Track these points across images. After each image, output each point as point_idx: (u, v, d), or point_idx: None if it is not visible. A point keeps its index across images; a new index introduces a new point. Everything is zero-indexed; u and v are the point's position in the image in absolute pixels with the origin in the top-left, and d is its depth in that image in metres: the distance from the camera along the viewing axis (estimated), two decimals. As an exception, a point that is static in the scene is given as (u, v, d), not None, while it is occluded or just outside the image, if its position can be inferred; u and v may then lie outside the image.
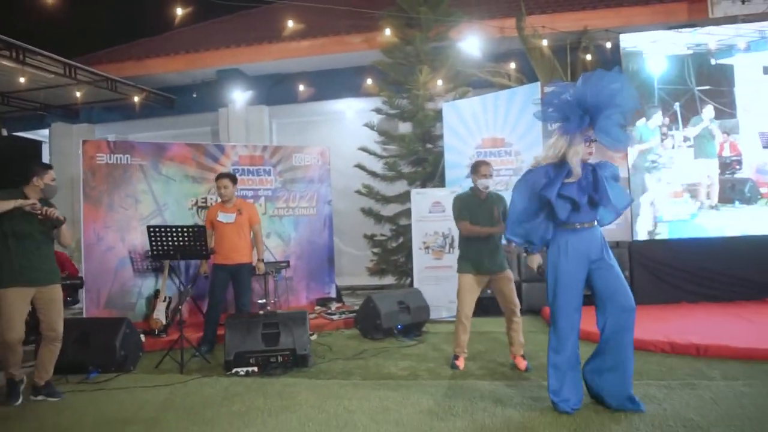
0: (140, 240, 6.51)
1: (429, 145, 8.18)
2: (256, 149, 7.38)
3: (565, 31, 7.86)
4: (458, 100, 7.73)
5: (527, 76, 7.98)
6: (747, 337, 4.65)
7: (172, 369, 4.67)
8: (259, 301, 6.18)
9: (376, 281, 8.33)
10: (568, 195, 3.25)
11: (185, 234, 4.97)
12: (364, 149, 8.22)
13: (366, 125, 8.23)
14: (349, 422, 3.35)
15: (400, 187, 8.14)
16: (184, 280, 6.38)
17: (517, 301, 4.45)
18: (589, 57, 7.78)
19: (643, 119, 6.84)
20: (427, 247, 6.79)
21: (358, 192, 8.19)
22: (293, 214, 7.42)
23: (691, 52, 6.91)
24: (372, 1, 8.59)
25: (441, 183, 7.58)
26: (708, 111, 6.79)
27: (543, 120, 3.79)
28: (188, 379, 4.38)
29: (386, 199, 8.11)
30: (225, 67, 9.38)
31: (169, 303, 6.09)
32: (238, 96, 9.53)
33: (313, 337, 5.71)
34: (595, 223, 3.41)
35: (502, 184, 6.64)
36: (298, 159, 7.48)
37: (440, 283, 6.62)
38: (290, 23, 7.75)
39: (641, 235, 6.83)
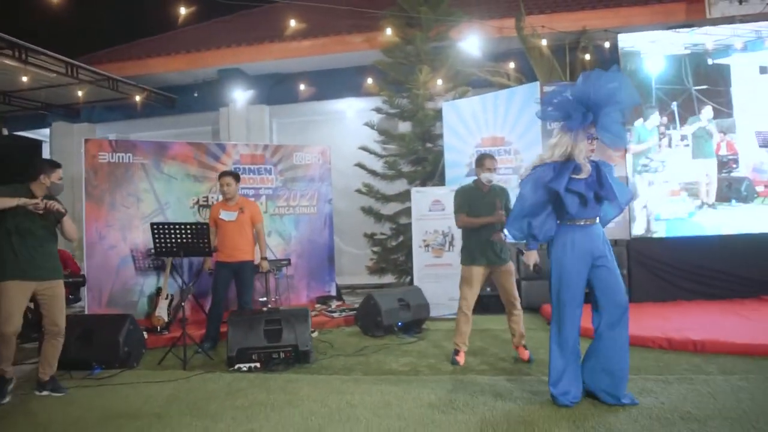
0: (142, 238, 6.56)
1: (429, 144, 8.24)
2: (257, 148, 7.43)
3: (563, 31, 7.92)
4: (458, 99, 7.79)
5: (526, 75, 8.04)
6: (743, 333, 4.71)
7: (175, 365, 4.72)
8: (261, 299, 6.23)
9: (375, 280, 8.38)
10: (577, 190, 3.31)
11: (188, 231, 5.01)
12: (364, 148, 8.28)
13: (366, 124, 8.29)
14: (351, 416, 3.39)
15: (399, 186, 8.20)
16: (186, 277, 6.43)
17: (517, 294, 4.52)
18: (587, 57, 7.84)
19: (641, 119, 6.90)
20: (427, 246, 6.84)
21: (359, 191, 8.24)
22: (294, 213, 7.46)
23: (688, 52, 6.96)
24: (373, 1, 8.64)
25: (441, 182, 7.64)
26: (707, 112, 6.85)
27: (544, 119, 3.85)
28: (191, 375, 4.43)
29: (386, 198, 8.17)
30: (226, 67, 9.44)
31: (171, 300, 6.13)
32: (239, 95, 9.58)
33: (314, 335, 5.76)
34: (597, 220, 3.46)
35: (502, 182, 6.68)
36: (298, 158, 7.53)
37: (440, 280, 6.67)
38: (291, 23, 7.79)
39: (638, 232, 6.89)
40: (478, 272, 4.49)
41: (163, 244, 5.01)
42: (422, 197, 6.98)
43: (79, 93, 8.46)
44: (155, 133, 9.86)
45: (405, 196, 7.90)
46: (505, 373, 4.19)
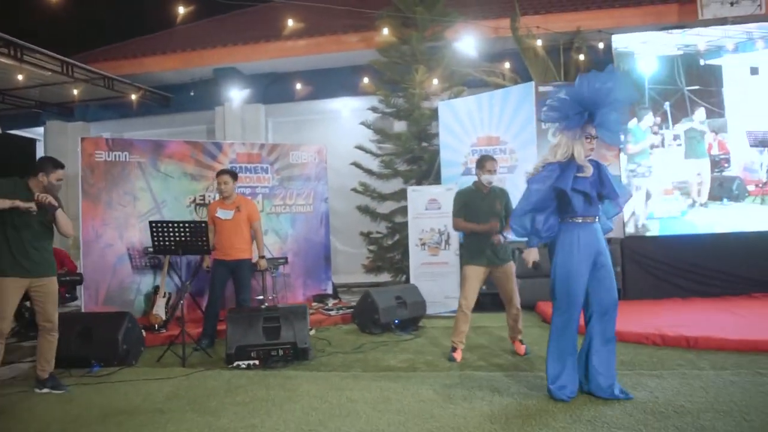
0: (138, 237, 6.57)
1: (424, 144, 8.30)
2: (254, 147, 7.45)
3: (558, 31, 7.99)
4: (454, 99, 7.84)
5: (521, 75, 8.11)
6: (735, 330, 4.79)
7: (174, 363, 4.74)
8: (257, 297, 6.25)
9: (371, 279, 8.41)
10: (582, 189, 3.38)
11: (187, 229, 5.04)
12: (360, 147, 8.32)
13: (362, 123, 8.32)
14: (351, 411, 3.44)
15: (395, 184, 8.24)
16: (182, 275, 6.44)
17: (517, 293, 4.60)
18: (582, 57, 7.92)
19: (635, 119, 6.98)
20: (423, 244, 6.89)
21: (354, 190, 8.28)
22: (290, 212, 7.49)
23: (681, 52, 7.06)
24: (368, 0, 8.68)
25: (436, 181, 7.70)
26: (700, 113, 6.95)
27: (545, 120, 3.90)
28: (191, 372, 4.45)
29: (382, 197, 8.20)
30: (221, 66, 9.45)
31: (169, 299, 6.14)
32: (235, 94, 9.60)
33: (312, 332, 5.78)
34: (597, 218, 3.53)
35: (496, 181, 6.74)
36: (295, 157, 7.56)
37: (436, 279, 6.73)
38: (287, 22, 7.82)
39: (631, 231, 6.97)
40: (479, 272, 4.55)
41: (162, 242, 5.02)
42: (418, 196, 7.03)
43: (75, 91, 8.45)
44: (150, 132, 9.86)
45: (401, 194, 7.95)
46: (501, 369, 4.24)
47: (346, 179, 8.58)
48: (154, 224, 5.04)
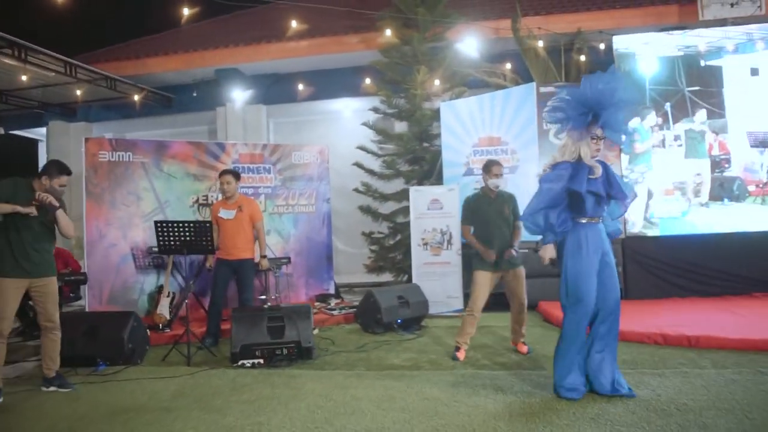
0: (142, 237, 6.60)
1: (426, 144, 8.32)
2: (256, 147, 7.48)
3: (559, 32, 8.02)
4: (455, 99, 7.87)
5: (522, 76, 8.14)
6: (736, 329, 4.83)
7: (179, 362, 4.77)
8: (260, 297, 6.28)
9: (373, 279, 8.44)
10: (595, 190, 3.41)
11: (192, 229, 5.07)
12: (362, 148, 8.34)
13: (364, 124, 8.35)
14: (356, 409, 3.47)
15: (397, 185, 8.27)
16: (186, 275, 6.47)
17: (525, 298, 4.64)
18: (582, 58, 7.94)
19: (638, 119, 7.00)
20: (425, 244, 6.92)
21: (356, 190, 8.31)
22: (293, 212, 7.52)
23: (681, 53, 7.10)
24: (370, 2, 8.71)
25: (438, 181, 7.73)
26: (701, 115, 6.98)
27: (551, 122, 3.93)
28: (196, 371, 4.48)
29: (384, 197, 8.23)
30: (223, 67, 9.46)
31: (173, 298, 6.17)
32: (237, 95, 9.61)
33: (315, 332, 5.80)
34: (601, 218, 3.57)
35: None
36: (297, 157, 7.59)
37: (438, 278, 6.75)
38: (289, 23, 7.85)
39: (634, 230, 7.01)
40: (490, 277, 4.60)
41: (167, 242, 5.06)
42: (420, 196, 7.06)
43: (77, 92, 8.47)
44: (152, 133, 9.87)
45: (402, 195, 7.98)
46: (505, 368, 4.28)
47: (347, 180, 8.61)
48: (159, 224, 5.07)
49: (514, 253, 4.54)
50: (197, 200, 7.00)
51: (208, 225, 5.22)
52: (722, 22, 7.37)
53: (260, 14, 10.30)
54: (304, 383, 4.07)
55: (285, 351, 4.68)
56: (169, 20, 6.71)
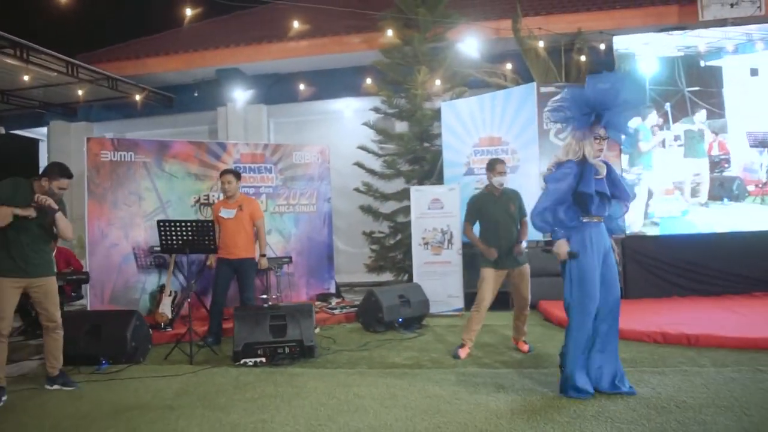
0: (144, 236, 6.63)
1: (427, 144, 8.35)
2: (258, 147, 7.51)
3: (559, 32, 8.05)
4: (456, 99, 7.90)
5: (523, 76, 8.16)
6: (735, 328, 4.86)
7: (182, 360, 4.79)
8: (261, 296, 6.30)
9: (373, 278, 8.46)
10: (602, 191, 3.44)
11: (194, 228, 5.09)
12: (363, 148, 8.37)
13: (365, 124, 8.37)
14: (359, 407, 3.49)
15: (398, 185, 8.29)
16: (187, 274, 6.49)
17: (529, 296, 4.67)
18: (583, 58, 7.97)
19: (639, 118, 7.03)
20: (426, 243, 6.95)
21: (357, 190, 8.33)
22: (294, 212, 7.54)
23: (681, 54, 7.12)
24: (371, 2, 8.74)
25: (439, 180, 7.76)
26: (701, 115, 7.01)
27: (555, 121, 3.95)
28: (198, 369, 4.51)
29: (384, 197, 8.25)
30: (224, 67, 9.48)
31: (175, 297, 6.19)
32: (238, 95, 9.63)
33: (317, 331, 5.83)
34: (602, 217, 3.60)
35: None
36: (298, 157, 7.61)
37: (439, 278, 6.78)
38: (290, 23, 7.87)
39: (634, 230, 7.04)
40: (497, 274, 4.63)
41: (169, 241, 5.08)
42: (421, 196, 7.08)
43: (79, 92, 8.49)
44: (152, 132, 9.89)
45: (403, 194, 8.00)
46: (506, 366, 4.31)
47: (348, 179, 8.63)
48: (161, 223, 5.09)
49: (523, 247, 4.56)
50: (198, 200, 7.02)
51: (210, 224, 5.24)
52: (722, 23, 7.40)
53: (261, 14, 10.32)
54: (307, 381, 4.10)
55: (287, 349, 4.70)
56: (170, 20, 6.75)
